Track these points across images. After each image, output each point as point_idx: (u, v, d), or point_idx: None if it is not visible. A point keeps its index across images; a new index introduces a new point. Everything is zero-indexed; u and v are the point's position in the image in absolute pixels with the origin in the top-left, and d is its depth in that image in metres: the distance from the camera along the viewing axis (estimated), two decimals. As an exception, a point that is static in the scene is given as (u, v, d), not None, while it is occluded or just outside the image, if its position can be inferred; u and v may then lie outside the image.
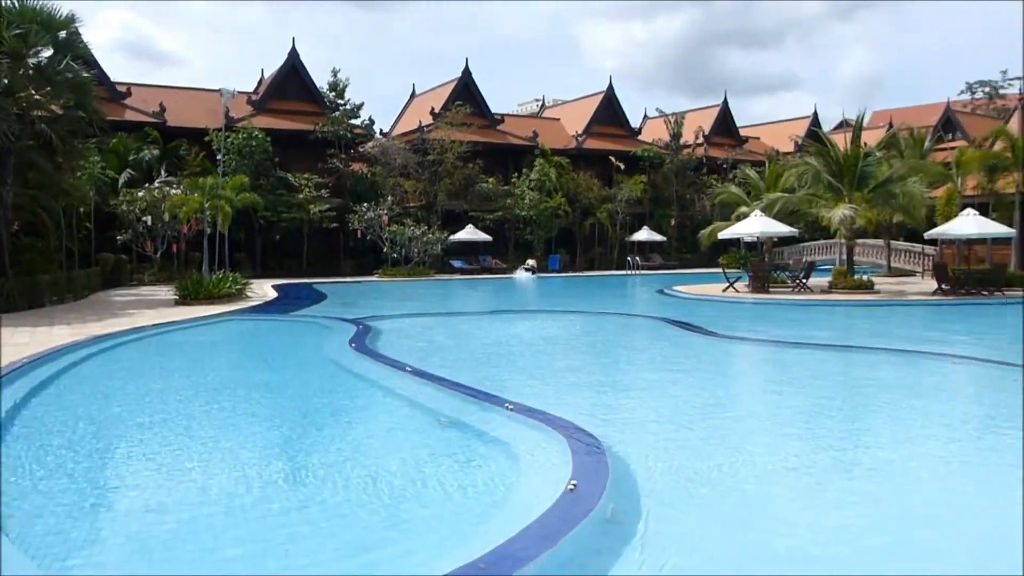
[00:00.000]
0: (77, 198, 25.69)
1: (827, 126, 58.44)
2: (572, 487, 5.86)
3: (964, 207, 28.10)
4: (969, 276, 26.33)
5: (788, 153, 52.95)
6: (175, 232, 30.79)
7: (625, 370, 13.63)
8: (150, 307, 21.19)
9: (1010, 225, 28.92)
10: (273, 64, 45.44)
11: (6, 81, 20.74)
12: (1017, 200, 29.62)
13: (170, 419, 9.09)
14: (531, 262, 42.65)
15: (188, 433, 8.49)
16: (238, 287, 24.25)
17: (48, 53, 21.89)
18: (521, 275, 40.71)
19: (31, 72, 21.54)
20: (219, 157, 31.29)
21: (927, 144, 37.23)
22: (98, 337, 14.87)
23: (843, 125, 50.89)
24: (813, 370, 13.21)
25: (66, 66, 21.83)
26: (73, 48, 22.57)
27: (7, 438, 7.84)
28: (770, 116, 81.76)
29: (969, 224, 26.58)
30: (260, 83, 45.85)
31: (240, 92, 40.62)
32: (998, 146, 30.38)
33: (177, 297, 22.42)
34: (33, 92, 21.76)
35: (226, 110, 34.07)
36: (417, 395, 10.05)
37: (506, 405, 8.65)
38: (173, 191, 29.55)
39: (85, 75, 22.92)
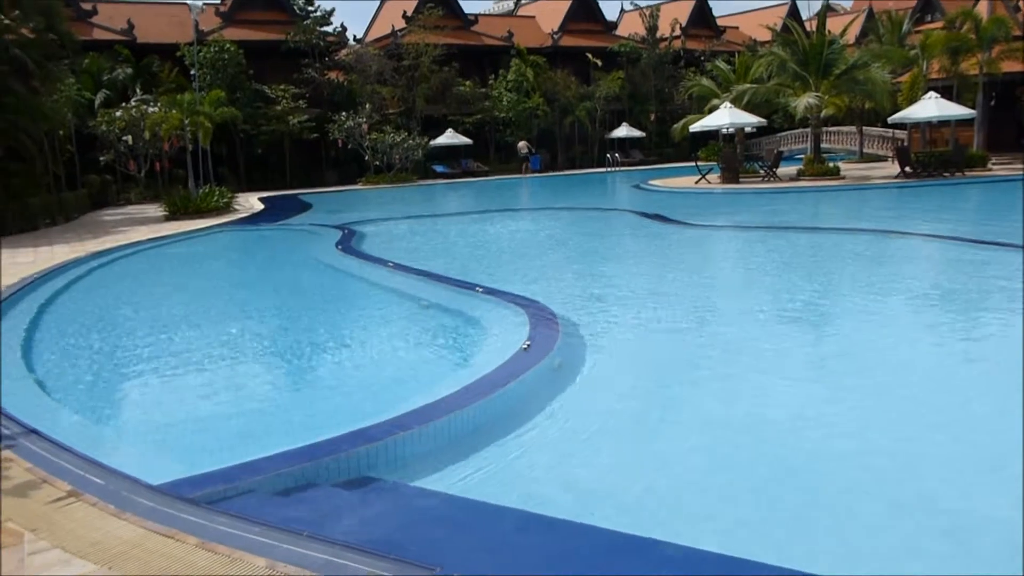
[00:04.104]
0: (56, 121, 26.02)
1: (810, 13, 57.94)
2: (526, 347, 7.03)
3: (928, 91, 28.74)
4: (931, 158, 27.27)
5: (765, 42, 52.68)
6: (156, 150, 31.20)
7: (590, 257, 14.76)
8: (142, 224, 22.01)
9: (974, 107, 29.65)
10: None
11: (-27, 9, 20.90)
12: (980, 82, 30.27)
13: (183, 315, 10.19)
14: (523, 144, 43.25)
15: (205, 325, 9.60)
16: (225, 200, 25.00)
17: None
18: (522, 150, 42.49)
19: (-2, -3, 21.62)
20: (192, 72, 31.35)
21: (905, 27, 37.35)
22: (97, 253, 15.80)
23: (825, 10, 50.62)
24: (762, 249, 14.40)
25: (33, -12, 21.89)
26: (33, -33, 22.54)
27: (39, 333, 8.98)
28: (750, 4, 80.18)
29: (930, 107, 27.31)
30: (228, -7, 45.06)
31: (207, 3, 40.05)
32: (966, 28, 30.71)
33: (167, 213, 23.21)
34: (2, 17, 21.87)
35: (196, 23, 33.86)
36: (399, 285, 11.21)
37: (476, 288, 9.79)
38: (151, 109, 29.80)
39: (52, -5, 22.97)
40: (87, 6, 38.14)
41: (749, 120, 29.86)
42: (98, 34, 37.18)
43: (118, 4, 40.66)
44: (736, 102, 29.91)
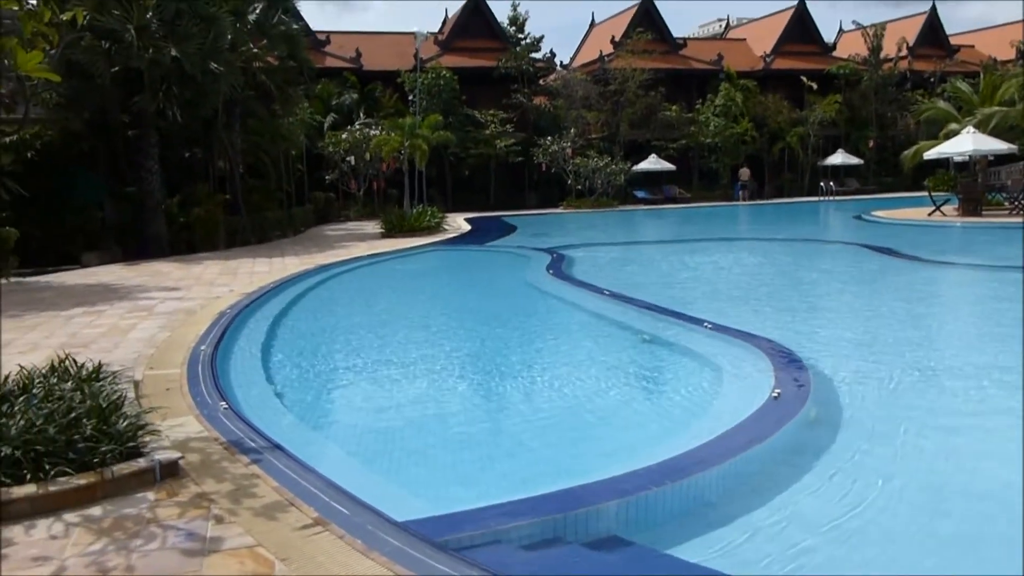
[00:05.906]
0: (291, 142, 28.19)
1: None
2: (776, 395, 6.30)
3: None
4: None
5: (1008, 62, 47.64)
6: (375, 171, 33.03)
7: (821, 294, 13.58)
8: (361, 240, 23.18)
9: None
10: (454, 3, 46.60)
11: (230, 37, 22.97)
12: None
13: (410, 336, 10.36)
14: (745, 172, 41.93)
15: (430, 347, 9.67)
16: (436, 220, 25.88)
17: (261, 7, 23.89)
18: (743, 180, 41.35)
19: (250, 27, 23.68)
20: (411, 98, 32.86)
21: None
22: (324, 266, 16.71)
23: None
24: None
25: (278, 20, 23.83)
26: (282, 1, 24.51)
27: (276, 342, 9.40)
28: (986, 20, 72.89)
29: None
30: (444, 23, 47.20)
31: (428, 32, 42.14)
32: None
33: (383, 230, 24.36)
34: (252, 46, 23.97)
35: (417, 51, 35.62)
36: (616, 315, 10.72)
37: (705, 324, 9.11)
38: (373, 132, 31.62)
39: (295, 27, 24.95)
40: (321, 36, 41.35)
41: (995, 147, 26.75)
42: (330, 62, 40.10)
43: (348, 34, 43.80)
44: (981, 126, 26.94)
